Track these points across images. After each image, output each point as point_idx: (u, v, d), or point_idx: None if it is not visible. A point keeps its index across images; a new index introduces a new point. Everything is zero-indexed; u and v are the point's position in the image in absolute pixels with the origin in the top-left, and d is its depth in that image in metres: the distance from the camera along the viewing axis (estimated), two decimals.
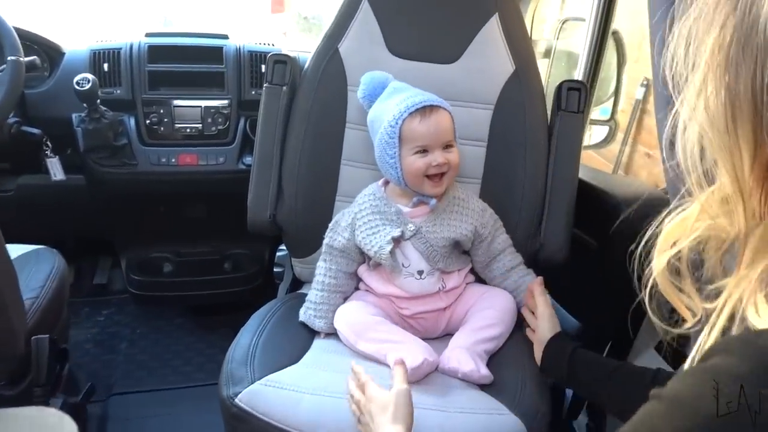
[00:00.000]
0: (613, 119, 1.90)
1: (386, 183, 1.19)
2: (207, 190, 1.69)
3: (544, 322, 1.02)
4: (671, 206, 0.48)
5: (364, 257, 1.19)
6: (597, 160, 2.77)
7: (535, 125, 1.25)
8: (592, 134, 1.98)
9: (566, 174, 1.26)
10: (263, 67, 1.65)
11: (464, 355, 1.04)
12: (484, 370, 1.02)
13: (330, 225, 1.19)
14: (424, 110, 1.09)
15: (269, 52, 1.66)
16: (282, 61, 1.30)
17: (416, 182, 1.11)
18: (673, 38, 0.45)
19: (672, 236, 0.47)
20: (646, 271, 0.49)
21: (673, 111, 0.46)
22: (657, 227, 0.47)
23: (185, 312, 1.98)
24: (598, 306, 1.31)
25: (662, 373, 0.83)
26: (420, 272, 1.13)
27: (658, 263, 0.47)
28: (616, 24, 1.63)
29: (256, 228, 1.29)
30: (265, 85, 1.30)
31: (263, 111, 1.29)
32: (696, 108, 0.43)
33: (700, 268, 0.48)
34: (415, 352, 1.01)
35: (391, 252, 1.10)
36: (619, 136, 2.56)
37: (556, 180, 1.25)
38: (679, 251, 0.47)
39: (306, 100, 1.27)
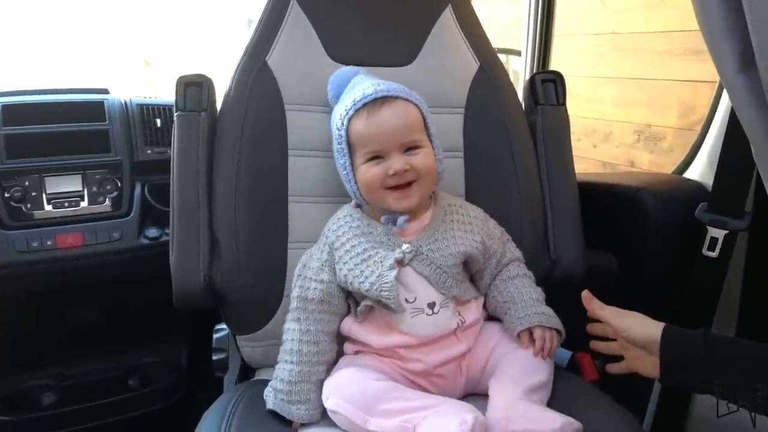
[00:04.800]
0: None
1: (359, 204, 0.93)
2: (99, 280, 1.28)
3: (632, 318, 0.78)
4: None
5: (347, 307, 0.88)
6: None
7: (517, 123, 1.06)
8: None
9: (563, 172, 1.07)
10: (158, 121, 1.35)
11: (530, 408, 0.75)
12: (570, 418, 0.73)
13: (296, 271, 0.90)
14: (374, 104, 0.84)
15: (165, 105, 1.37)
16: (196, 83, 1.02)
17: (375, 197, 0.86)
18: None
19: None
20: None
21: None
22: None
23: None
24: None
25: None
26: (431, 305, 0.84)
27: None
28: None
29: (187, 298, 0.94)
30: (176, 113, 1.00)
31: (177, 145, 0.99)
32: None
33: None
34: (461, 412, 0.71)
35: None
36: None
37: (554, 181, 1.06)
38: None
39: (234, 127, 0.99)
